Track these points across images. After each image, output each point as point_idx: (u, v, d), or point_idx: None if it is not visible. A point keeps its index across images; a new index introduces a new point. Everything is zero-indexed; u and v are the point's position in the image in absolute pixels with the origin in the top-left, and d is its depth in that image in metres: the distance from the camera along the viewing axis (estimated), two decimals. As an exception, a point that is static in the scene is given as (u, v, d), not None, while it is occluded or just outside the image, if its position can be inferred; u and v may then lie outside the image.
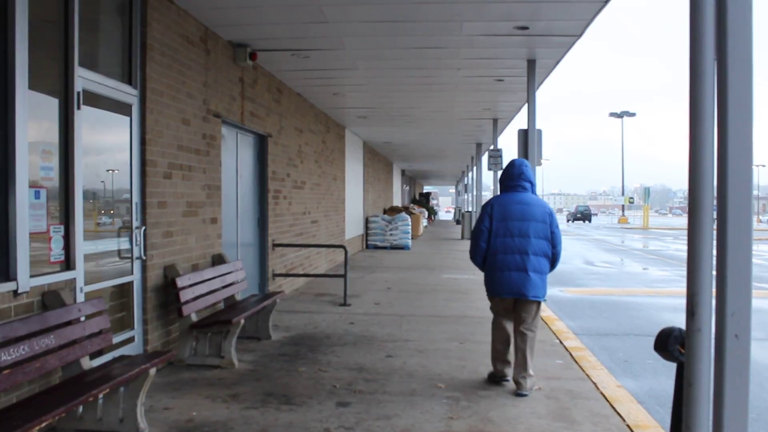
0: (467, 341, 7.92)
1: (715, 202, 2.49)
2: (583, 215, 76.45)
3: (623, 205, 71.74)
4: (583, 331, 9.16)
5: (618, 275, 17.58)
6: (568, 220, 76.96)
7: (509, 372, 6.12)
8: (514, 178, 6.15)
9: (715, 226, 2.51)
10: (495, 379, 6.20)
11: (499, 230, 6.00)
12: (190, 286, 6.82)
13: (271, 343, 7.73)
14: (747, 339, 2.48)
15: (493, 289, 6.09)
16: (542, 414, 5.29)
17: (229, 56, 8.64)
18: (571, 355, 7.30)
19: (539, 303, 6.07)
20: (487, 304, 6.38)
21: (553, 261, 6.10)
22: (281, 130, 11.35)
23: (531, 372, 5.92)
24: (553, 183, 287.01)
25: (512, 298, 6.02)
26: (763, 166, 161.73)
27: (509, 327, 6.14)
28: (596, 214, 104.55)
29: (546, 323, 9.10)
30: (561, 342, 7.94)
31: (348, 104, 14.56)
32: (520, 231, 5.95)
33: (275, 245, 10.92)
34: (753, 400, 6.61)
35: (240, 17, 7.73)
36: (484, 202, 7.28)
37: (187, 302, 6.65)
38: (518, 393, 5.81)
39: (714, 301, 2.50)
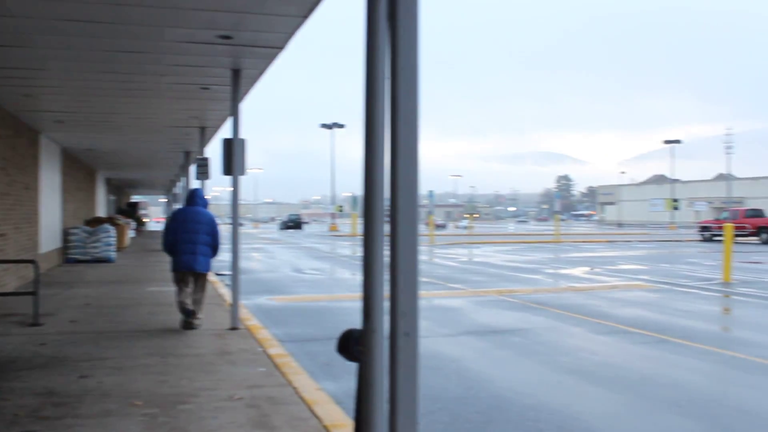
0: (170, 355, 7.66)
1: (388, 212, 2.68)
2: (294, 223, 78.28)
3: (334, 213, 74.37)
4: (289, 338, 9.35)
5: (326, 282, 18.27)
6: (280, 229, 78.28)
7: (190, 317, 9.22)
8: (193, 199, 9.72)
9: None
10: (185, 325, 9.22)
11: (179, 228, 9.36)
12: None
13: (-61, 374, 6.78)
14: (415, 336, 2.70)
15: (174, 266, 9.44)
16: (242, 423, 5.29)
17: None
18: (273, 362, 7.41)
19: (205, 274, 9.61)
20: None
21: (215, 249, 9.57)
22: (-45, 131, 10.04)
23: (200, 317, 9.48)
24: (267, 192, 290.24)
25: (185, 271, 9.35)
26: (460, 176, 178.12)
27: (185, 290, 9.34)
28: (308, 223, 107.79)
29: (251, 332, 9.15)
30: (265, 350, 8.01)
31: (42, 107, 13.32)
32: (193, 229, 9.34)
33: (-53, 262, 9.61)
34: (440, 392, 7.26)
35: None
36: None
37: None
38: (192, 327, 9.19)
39: (387, 303, 2.69)
